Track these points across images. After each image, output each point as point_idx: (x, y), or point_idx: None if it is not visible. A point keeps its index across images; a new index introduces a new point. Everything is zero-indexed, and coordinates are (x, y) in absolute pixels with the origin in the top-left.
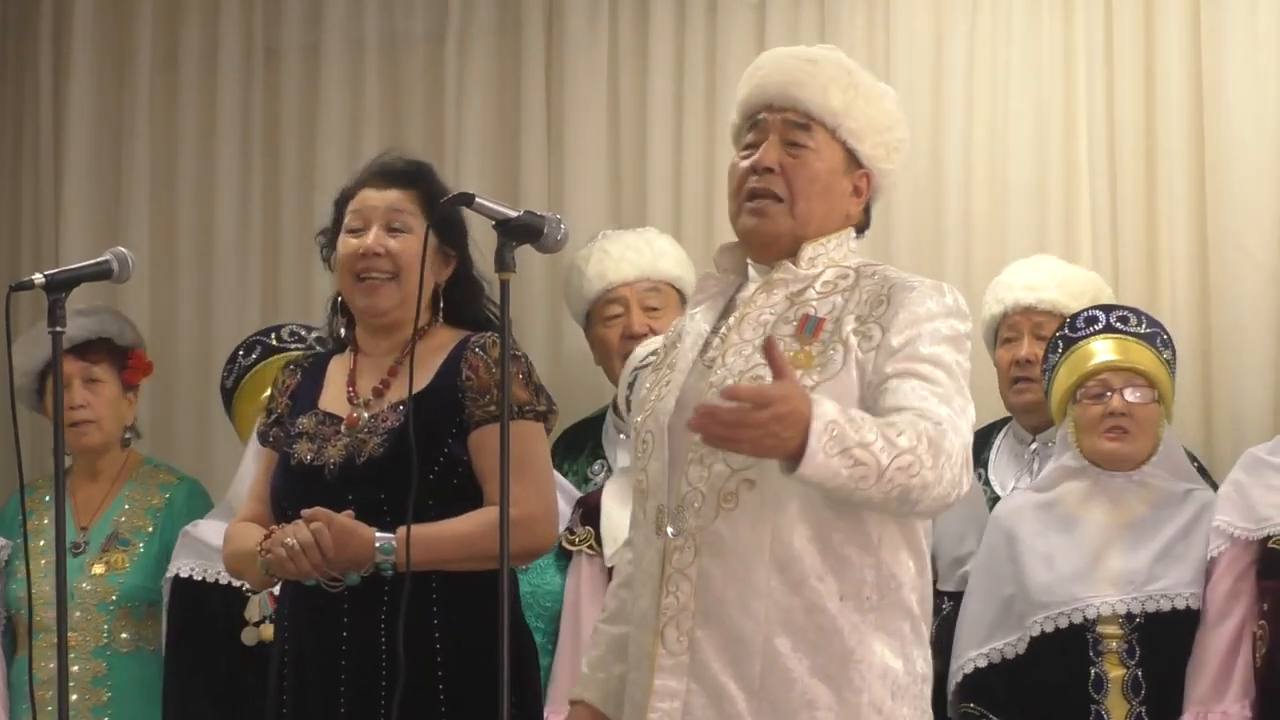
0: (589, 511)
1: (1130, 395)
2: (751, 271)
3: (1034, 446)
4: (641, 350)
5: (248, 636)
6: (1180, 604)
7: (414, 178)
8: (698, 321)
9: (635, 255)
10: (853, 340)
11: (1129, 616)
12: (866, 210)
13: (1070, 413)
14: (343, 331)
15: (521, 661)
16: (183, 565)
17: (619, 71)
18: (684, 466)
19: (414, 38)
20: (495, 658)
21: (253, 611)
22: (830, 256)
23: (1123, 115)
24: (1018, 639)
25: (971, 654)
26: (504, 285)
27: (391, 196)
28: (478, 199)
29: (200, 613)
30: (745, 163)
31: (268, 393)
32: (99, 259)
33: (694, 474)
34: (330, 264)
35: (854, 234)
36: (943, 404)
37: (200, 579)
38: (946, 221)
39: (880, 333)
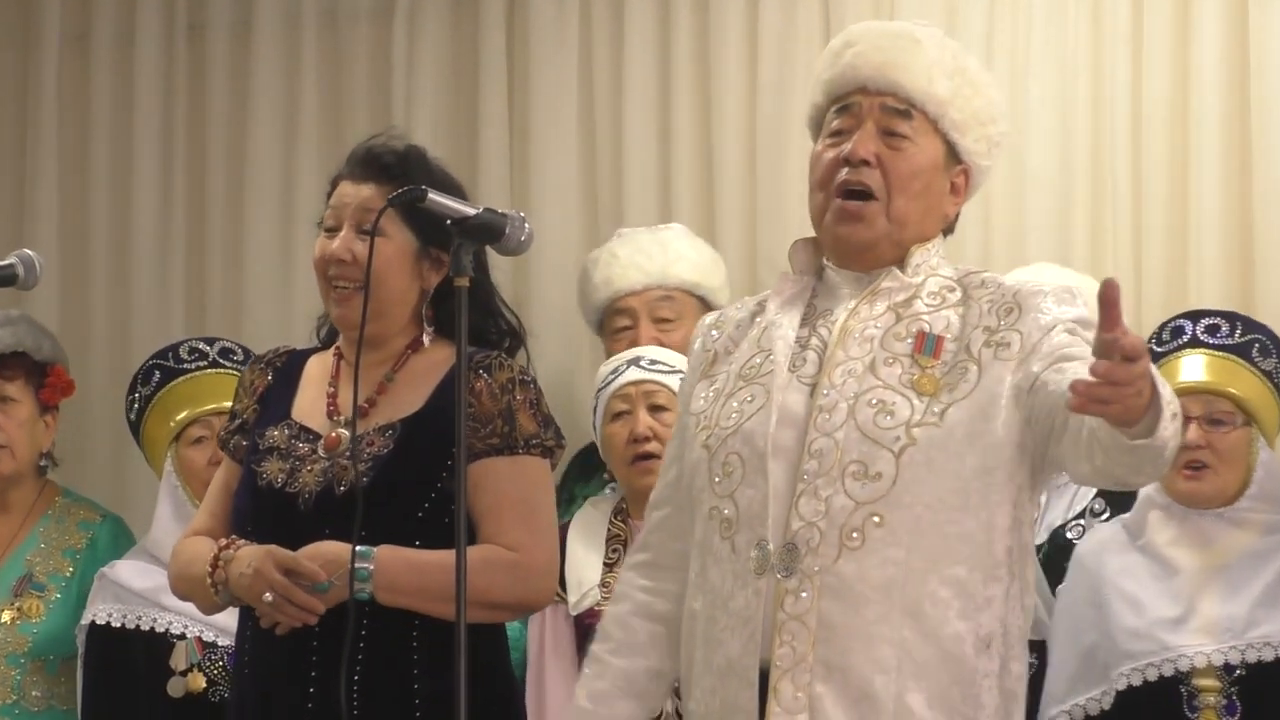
0: None
1: (1209, 424)
2: (831, 275)
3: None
4: (605, 368)
5: (174, 688)
6: None
7: (394, 171)
8: (784, 330)
9: (645, 260)
10: (985, 354)
11: (1227, 668)
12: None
13: None
14: (321, 333)
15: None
16: (100, 611)
17: (592, 49)
18: (793, 499)
19: (357, 11)
20: None
21: (179, 660)
22: (930, 264)
23: (1154, 98)
24: (1102, 693)
25: (1053, 711)
26: (460, 292)
27: (365, 194)
28: (431, 195)
29: (121, 662)
30: (834, 152)
31: (183, 414)
32: (2, 262)
33: (807, 507)
34: None
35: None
36: None
37: (120, 625)
38: (963, 218)
39: (1019, 338)
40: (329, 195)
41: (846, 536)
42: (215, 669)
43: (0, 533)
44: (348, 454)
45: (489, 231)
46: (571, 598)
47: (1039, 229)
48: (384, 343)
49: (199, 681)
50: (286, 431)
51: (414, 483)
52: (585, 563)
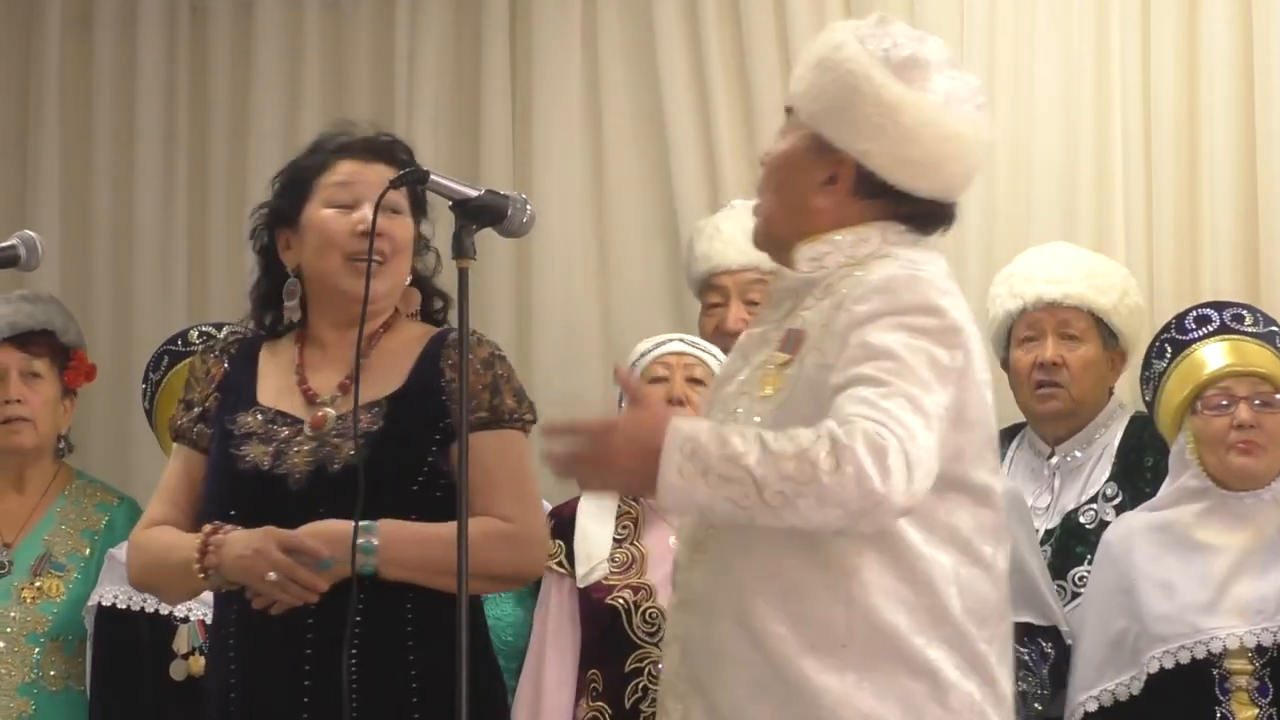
0: (561, 524)
1: (1258, 404)
2: None
3: (1054, 460)
4: (642, 345)
5: (176, 670)
6: None
7: (396, 154)
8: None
9: (744, 239)
10: (810, 358)
11: (1259, 650)
12: (901, 199)
13: (1187, 426)
14: (296, 317)
15: (489, 703)
16: (105, 593)
17: (596, 31)
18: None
19: None
20: (476, 699)
21: (181, 643)
22: (848, 254)
23: (1161, 81)
24: (1131, 677)
25: (1082, 697)
26: (463, 274)
27: (385, 173)
28: (433, 176)
29: (126, 644)
30: None
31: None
32: (3, 244)
33: (685, 522)
34: (263, 243)
35: (899, 228)
36: (887, 399)
37: (125, 607)
38: (966, 203)
39: (829, 343)
40: (308, 174)
41: (696, 549)
42: None
43: (18, 511)
44: (336, 433)
45: (491, 213)
46: (580, 570)
47: (1043, 214)
48: (371, 319)
49: (200, 664)
50: (260, 416)
51: (407, 458)
52: (596, 537)
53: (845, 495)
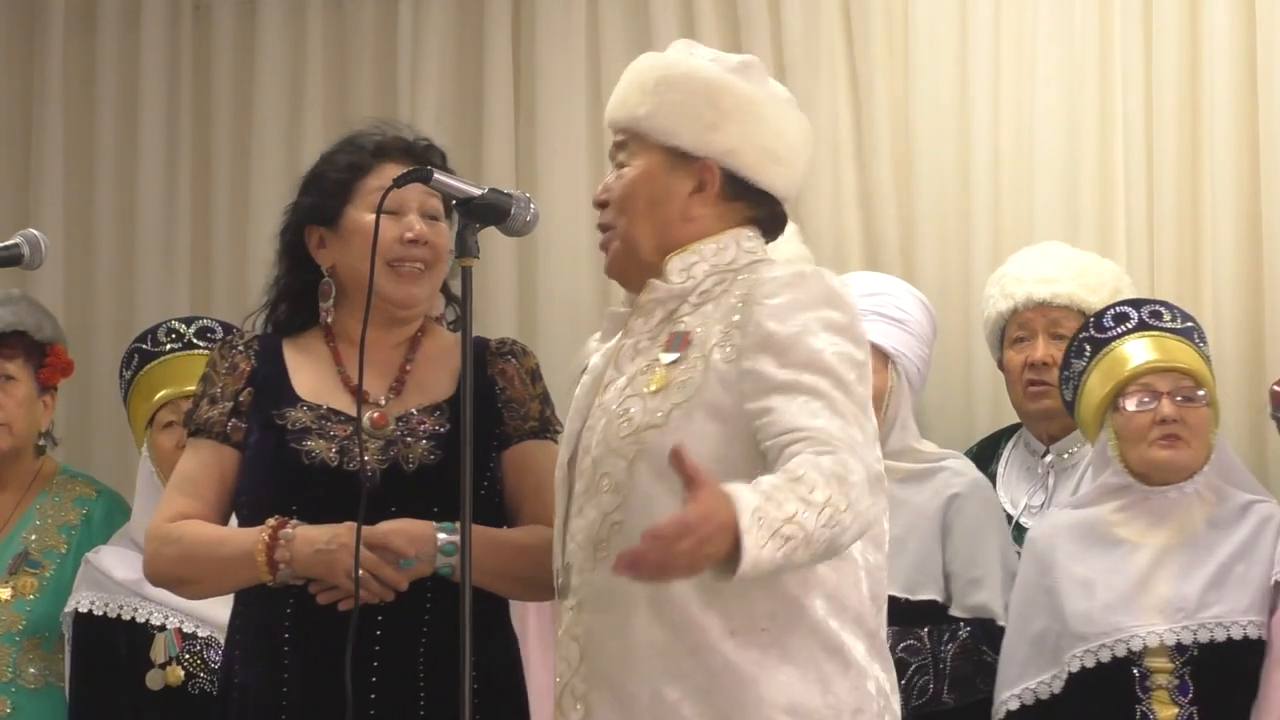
0: None
1: (1180, 399)
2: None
3: (1049, 459)
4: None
5: (153, 680)
6: (1237, 633)
7: (432, 160)
8: (592, 363)
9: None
10: (715, 355)
11: (1179, 648)
12: (758, 200)
13: (1109, 423)
14: (329, 319)
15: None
16: (83, 599)
17: (599, 29)
18: (570, 520)
19: None
20: (518, 700)
21: (158, 653)
22: (712, 263)
23: (1163, 81)
24: (1053, 676)
25: (1004, 695)
26: (466, 273)
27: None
28: (436, 175)
29: (104, 652)
30: None
31: (156, 398)
32: (7, 242)
33: (575, 526)
34: (290, 241)
35: (750, 233)
36: (835, 417)
37: (101, 614)
38: (973, 201)
39: (741, 337)
40: (350, 174)
41: (597, 548)
42: (194, 662)
43: None
44: (404, 433)
45: (494, 212)
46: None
47: (1045, 214)
48: (410, 322)
49: (177, 674)
50: (310, 412)
51: (476, 461)
52: None
53: (861, 525)
